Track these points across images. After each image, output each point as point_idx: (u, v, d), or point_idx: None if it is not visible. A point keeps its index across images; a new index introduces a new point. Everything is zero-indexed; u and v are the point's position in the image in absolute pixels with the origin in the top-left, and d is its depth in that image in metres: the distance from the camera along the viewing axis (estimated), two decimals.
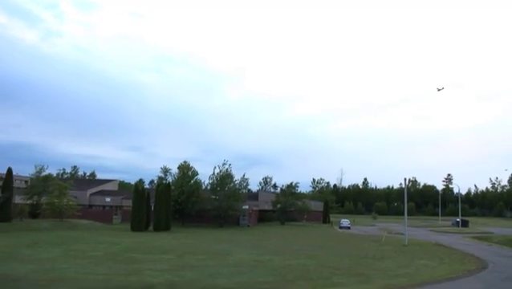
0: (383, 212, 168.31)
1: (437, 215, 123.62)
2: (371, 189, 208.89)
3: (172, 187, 66.69)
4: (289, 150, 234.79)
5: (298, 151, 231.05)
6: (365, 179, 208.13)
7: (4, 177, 60.96)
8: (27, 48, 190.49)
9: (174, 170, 75.50)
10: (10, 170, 61.67)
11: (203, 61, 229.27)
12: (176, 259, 27.90)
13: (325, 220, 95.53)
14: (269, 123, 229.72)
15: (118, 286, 17.78)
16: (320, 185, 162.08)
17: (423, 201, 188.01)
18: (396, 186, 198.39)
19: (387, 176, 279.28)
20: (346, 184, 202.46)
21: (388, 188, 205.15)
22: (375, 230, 73.58)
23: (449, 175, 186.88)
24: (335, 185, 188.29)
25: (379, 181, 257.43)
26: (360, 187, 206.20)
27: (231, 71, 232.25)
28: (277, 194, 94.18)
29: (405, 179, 49.96)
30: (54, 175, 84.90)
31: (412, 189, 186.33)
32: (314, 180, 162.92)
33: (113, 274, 20.95)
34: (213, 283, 18.75)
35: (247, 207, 76.54)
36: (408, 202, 48.15)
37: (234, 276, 20.70)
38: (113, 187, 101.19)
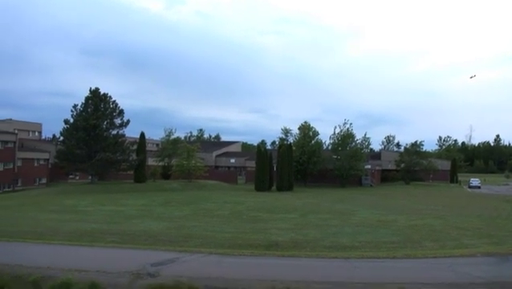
0: None
1: None
2: (505, 147, 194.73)
3: (294, 148, 67.33)
4: (413, 107, 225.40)
5: (422, 108, 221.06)
6: (497, 136, 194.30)
7: (138, 140, 65.37)
8: (153, 17, 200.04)
9: (295, 131, 75.93)
10: (142, 134, 66.08)
11: (321, 20, 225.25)
12: (299, 218, 28.35)
13: (452, 179, 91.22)
14: (391, 80, 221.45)
15: (244, 244, 18.44)
16: (447, 143, 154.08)
17: None
18: None
19: None
20: (475, 141, 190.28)
21: None
22: (509, 190, 69.01)
23: None
24: (463, 143, 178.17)
25: None
26: (492, 144, 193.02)
27: (350, 28, 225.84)
28: (400, 153, 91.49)
29: None
30: (182, 138, 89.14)
31: None
32: (440, 138, 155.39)
33: (239, 233, 21.78)
34: (336, 242, 18.81)
35: (369, 167, 75.38)
36: None
37: (358, 236, 20.61)
38: (237, 149, 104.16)
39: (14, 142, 63.51)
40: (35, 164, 68.02)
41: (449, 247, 17.41)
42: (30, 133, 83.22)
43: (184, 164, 63.77)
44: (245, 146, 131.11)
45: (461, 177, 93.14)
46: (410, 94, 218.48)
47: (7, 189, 59.58)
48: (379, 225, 24.80)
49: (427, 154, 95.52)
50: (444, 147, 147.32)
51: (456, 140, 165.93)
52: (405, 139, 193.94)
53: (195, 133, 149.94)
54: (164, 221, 26.91)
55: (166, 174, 70.28)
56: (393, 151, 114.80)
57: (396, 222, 25.91)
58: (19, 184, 63.06)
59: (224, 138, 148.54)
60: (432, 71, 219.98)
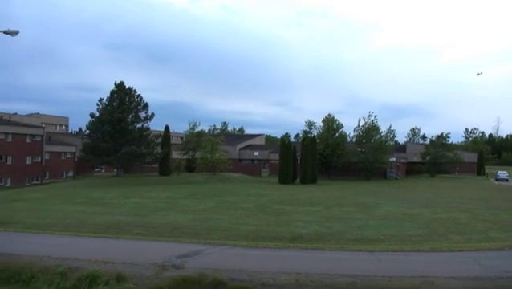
0: None
1: None
2: None
3: (317, 140, 67.06)
4: (439, 99, 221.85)
5: (448, 100, 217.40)
6: None
7: (162, 134, 65.91)
8: (177, 12, 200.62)
9: (318, 124, 75.57)
10: (167, 128, 66.59)
11: (344, 12, 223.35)
12: (323, 211, 28.31)
13: (479, 172, 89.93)
14: (417, 72, 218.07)
15: (268, 236, 18.52)
16: (474, 135, 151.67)
17: None
18: None
19: None
20: (503, 133, 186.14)
21: None
22: None
23: None
24: (490, 135, 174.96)
25: None
26: None
27: (374, 20, 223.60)
28: (426, 146, 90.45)
29: None
30: (206, 131, 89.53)
31: None
32: (466, 130, 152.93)
33: (263, 225, 21.87)
34: (360, 235, 18.77)
35: (394, 159, 74.69)
36: None
37: (382, 229, 20.52)
38: (260, 141, 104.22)
39: (42, 136, 64.69)
40: (62, 158, 69.30)
41: (475, 241, 17.23)
42: (57, 127, 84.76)
43: (208, 157, 64.02)
44: (269, 139, 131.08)
45: (488, 169, 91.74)
46: (436, 86, 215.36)
47: (35, 182, 60.80)
48: (404, 218, 24.63)
49: (453, 146, 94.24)
50: (470, 139, 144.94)
51: (483, 132, 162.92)
52: (431, 131, 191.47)
53: (219, 126, 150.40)
54: (189, 213, 27.14)
55: (190, 167, 70.68)
56: (419, 143, 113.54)
57: (422, 215, 25.69)
58: (47, 177, 64.29)
59: (247, 131, 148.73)
60: (458, 62, 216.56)
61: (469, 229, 20.10)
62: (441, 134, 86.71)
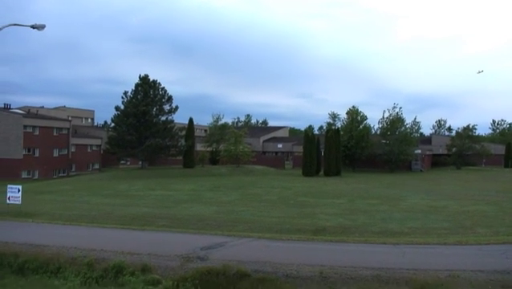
0: None
1: None
2: None
3: (341, 132, 66.69)
4: (465, 91, 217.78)
5: (475, 91, 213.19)
6: None
7: (186, 126, 66.26)
8: (200, 4, 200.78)
9: (342, 115, 75.16)
10: (191, 120, 66.87)
11: (369, 3, 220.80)
12: (347, 204, 28.19)
13: (507, 164, 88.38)
14: (443, 62, 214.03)
15: (292, 228, 18.54)
16: (501, 127, 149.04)
17: None
18: None
19: None
20: None
21: None
22: None
23: None
24: None
25: None
26: None
27: (399, 10, 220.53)
28: (452, 138, 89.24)
29: None
30: (230, 123, 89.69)
31: None
32: (494, 121, 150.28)
33: (287, 217, 21.90)
34: (385, 228, 18.65)
35: (419, 151, 73.86)
36: None
37: (407, 221, 20.36)
38: (284, 134, 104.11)
39: (68, 129, 65.68)
40: (88, 150, 70.37)
41: (502, 234, 16.99)
42: (83, 120, 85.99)
43: (232, 150, 64.13)
44: (293, 131, 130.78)
45: None
46: (462, 77, 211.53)
47: (62, 174, 61.83)
48: (430, 210, 24.39)
49: (480, 138, 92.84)
50: (498, 131, 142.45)
51: (511, 124, 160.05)
52: (457, 123, 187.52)
53: (242, 118, 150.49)
54: (213, 205, 27.30)
55: (214, 159, 70.97)
56: (444, 135, 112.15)
57: (447, 208, 25.41)
58: (73, 169, 65.31)
59: (271, 123, 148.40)
60: (486, 52, 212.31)
61: (497, 222, 19.82)
62: (468, 126, 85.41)
